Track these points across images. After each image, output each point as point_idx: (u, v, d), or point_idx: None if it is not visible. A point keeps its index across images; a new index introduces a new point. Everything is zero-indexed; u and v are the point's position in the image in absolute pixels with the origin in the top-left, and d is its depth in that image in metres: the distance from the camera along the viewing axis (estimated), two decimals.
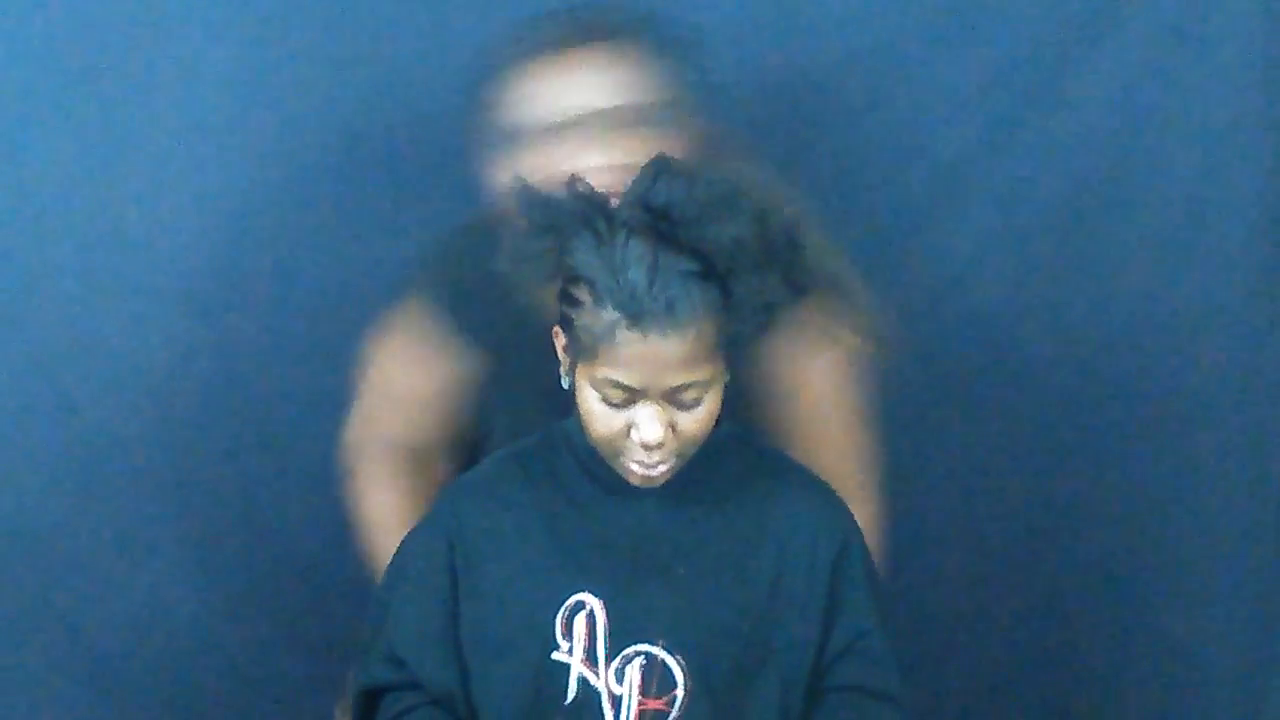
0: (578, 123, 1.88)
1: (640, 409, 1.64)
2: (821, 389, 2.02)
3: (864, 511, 1.92)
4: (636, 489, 1.72)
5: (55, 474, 2.42)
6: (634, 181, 1.63)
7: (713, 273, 1.60)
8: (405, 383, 2.04)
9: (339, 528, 2.45)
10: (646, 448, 1.66)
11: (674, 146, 1.80)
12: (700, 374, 1.63)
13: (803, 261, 1.65)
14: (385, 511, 2.07)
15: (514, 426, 1.91)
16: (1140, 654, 2.61)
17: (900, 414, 2.52)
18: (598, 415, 1.67)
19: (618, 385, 1.63)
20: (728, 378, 1.70)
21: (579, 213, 1.62)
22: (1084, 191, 2.50)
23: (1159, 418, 2.56)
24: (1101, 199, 2.50)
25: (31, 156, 2.36)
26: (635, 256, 1.58)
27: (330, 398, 2.44)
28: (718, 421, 1.71)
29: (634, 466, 1.68)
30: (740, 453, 1.79)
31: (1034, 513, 2.58)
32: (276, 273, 2.43)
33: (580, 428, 1.73)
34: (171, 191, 2.38)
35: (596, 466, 1.74)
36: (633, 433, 1.65)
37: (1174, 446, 2.56)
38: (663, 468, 1.68)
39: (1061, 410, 2.56)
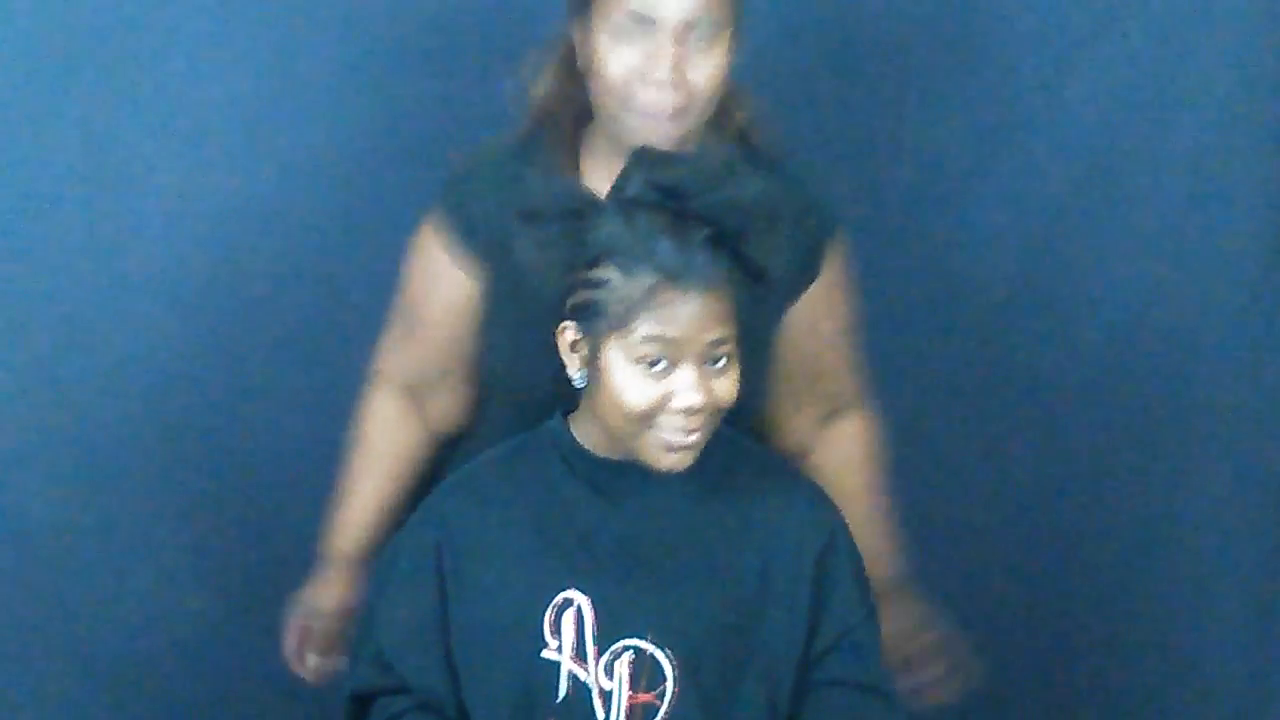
0: None
1: (679, 375, 1.66)
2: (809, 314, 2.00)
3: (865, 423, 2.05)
4: (622, 488, 1.74)
5: (55, 474, 2.43)
6: (633, 169, 1.69)
7: (726, 236, 1.67)
8: (423, 297, 2.01)
9: None
10: (690, 413, 1.67)
11: None
12: (729, 329, 1.68)
13: (808, 224, 1.76)
14: (376, 431, 2.07)
15: (510, 359, 1.94)
16: (1141, 655, 2.61)
17: (900, 414, 2.54)
18: (634, 388, 1.67)
19: (660, 340, 1.65)
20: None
21: (594, 198, 1.71)
22: (1084, 191, 2.50)
23: (1159, 417, 2.56)
24: (1102, 199, 2.50)
25: (32, 157, 2.36)
26: (660, 227, 1.65)
27: (330, 398, 2.45)
28: None
29: (668, 438, 1.69)
30: (728, 451, 1.79)
31: (1033, 512, 2.58)
32: (277, 273, 2.43)
33: (567, 427, 1.77)
34: (171, 191, 2.39)
35: (583, 466, 1.75)
36: (672, 402, 1.67)
37: (1174, 446, 2.56)
38: (696, 436, 1.69)
39: (1061, 410, 2.56)
